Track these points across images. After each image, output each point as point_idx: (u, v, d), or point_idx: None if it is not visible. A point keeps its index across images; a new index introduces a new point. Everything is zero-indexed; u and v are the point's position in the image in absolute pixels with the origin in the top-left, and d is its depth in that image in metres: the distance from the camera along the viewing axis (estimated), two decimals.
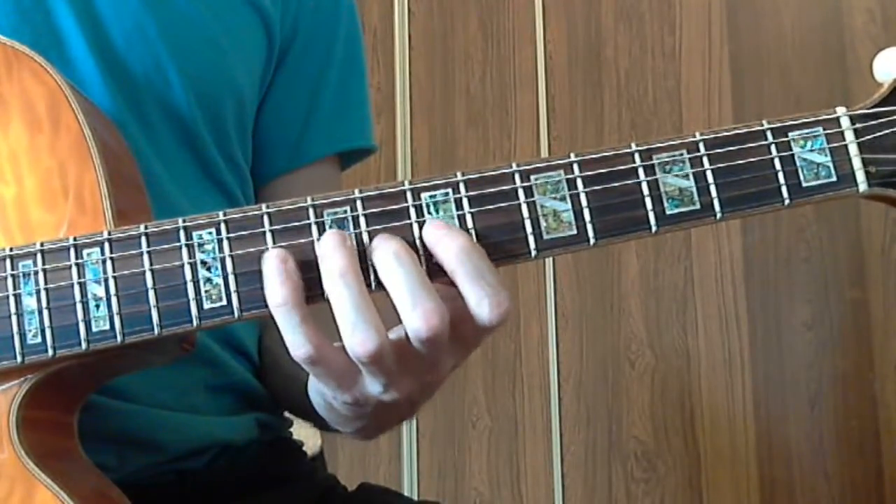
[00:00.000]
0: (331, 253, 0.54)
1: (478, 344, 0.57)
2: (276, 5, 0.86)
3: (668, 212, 0.55)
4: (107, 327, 0.56)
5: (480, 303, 0.53)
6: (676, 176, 0.56)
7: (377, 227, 0.56)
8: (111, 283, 0.56)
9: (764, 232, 1.75)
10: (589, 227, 0.55)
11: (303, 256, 0.55)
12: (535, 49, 2.01)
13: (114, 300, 0.56)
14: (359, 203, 0.56)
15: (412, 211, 0.56)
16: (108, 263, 0.57)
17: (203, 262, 0.56)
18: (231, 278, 0.56)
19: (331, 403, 0.61)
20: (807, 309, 1.71)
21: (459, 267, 0.53)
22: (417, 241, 0.55)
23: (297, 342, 0.53)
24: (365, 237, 0.55)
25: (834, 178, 0.55)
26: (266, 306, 0.54)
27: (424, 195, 0.56)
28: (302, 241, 0.55)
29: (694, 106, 1.84)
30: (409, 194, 0.56)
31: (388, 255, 0.53)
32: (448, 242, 0.54)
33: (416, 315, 0.52)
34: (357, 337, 0.52)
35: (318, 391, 0.62)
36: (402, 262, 0.53)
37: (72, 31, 0.74)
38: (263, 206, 0.56)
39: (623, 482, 1.83)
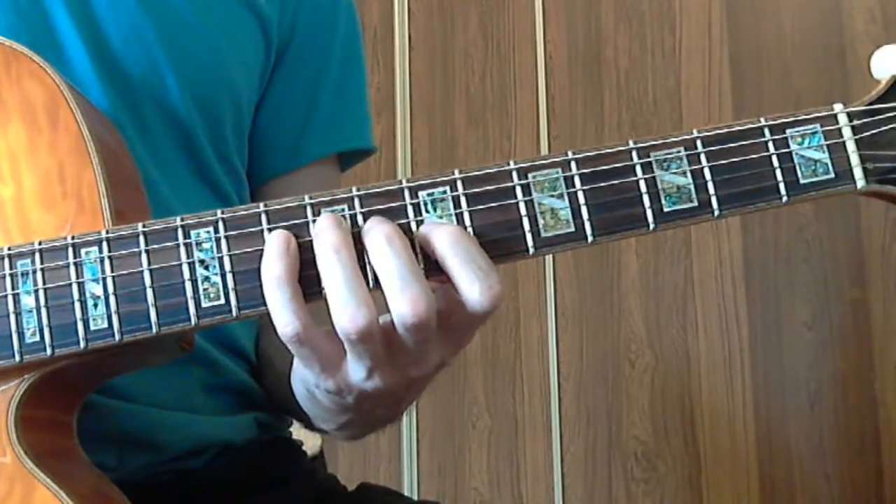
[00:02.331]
0: (326, 230, 0.54)
1: (469, 337, 0.57)
2: (274, 6, 0.86)
3: (665, 209, 0.55)
4: (105, 326, 0.56)
5: (471, 286, 0.52)
6: (674, 173, 0.56)
7: None
8: (109, 281, 0.56)
9: (764, 232, 1.75)
10: (587, 224, 0.55)
11: (300, 255, 0.55)
12: (535, 49, 2.01)
13: (112, 299, 0.56)
14: (356, 201, 0.56)
15: (410, 209, 0.56)
16: (107, 262, 0.57)
17: (201, 261, 0.56)
18: (229, 277, 0.56)
19: (313, 393, 0.61)
20: (807, 309, 1.71)
21: (449, 251, 0.53)
22: (414, 240, 0.55)
23: (284, 319, 0.53)
24: None
25: (832, 175, 0.55)
26: (264, 304, 0.54)
27: (422, 193, 0.56)
28: (300, 240, 0.55)
29: (694, 106, 1.84)
30: (406, 192, 0.56)
31: (380, 237, 0.54)
32: (439, 232, 0.54)
33: (404, 299, 0.52)
34: (348, 313, 0.52)
35: (302, 379, 0.62)
36: (393, 246, 0.53)
37: (69, 32, 0.74)
38: (261, 204, 0.56)
39: (623, 482, 1.83)
